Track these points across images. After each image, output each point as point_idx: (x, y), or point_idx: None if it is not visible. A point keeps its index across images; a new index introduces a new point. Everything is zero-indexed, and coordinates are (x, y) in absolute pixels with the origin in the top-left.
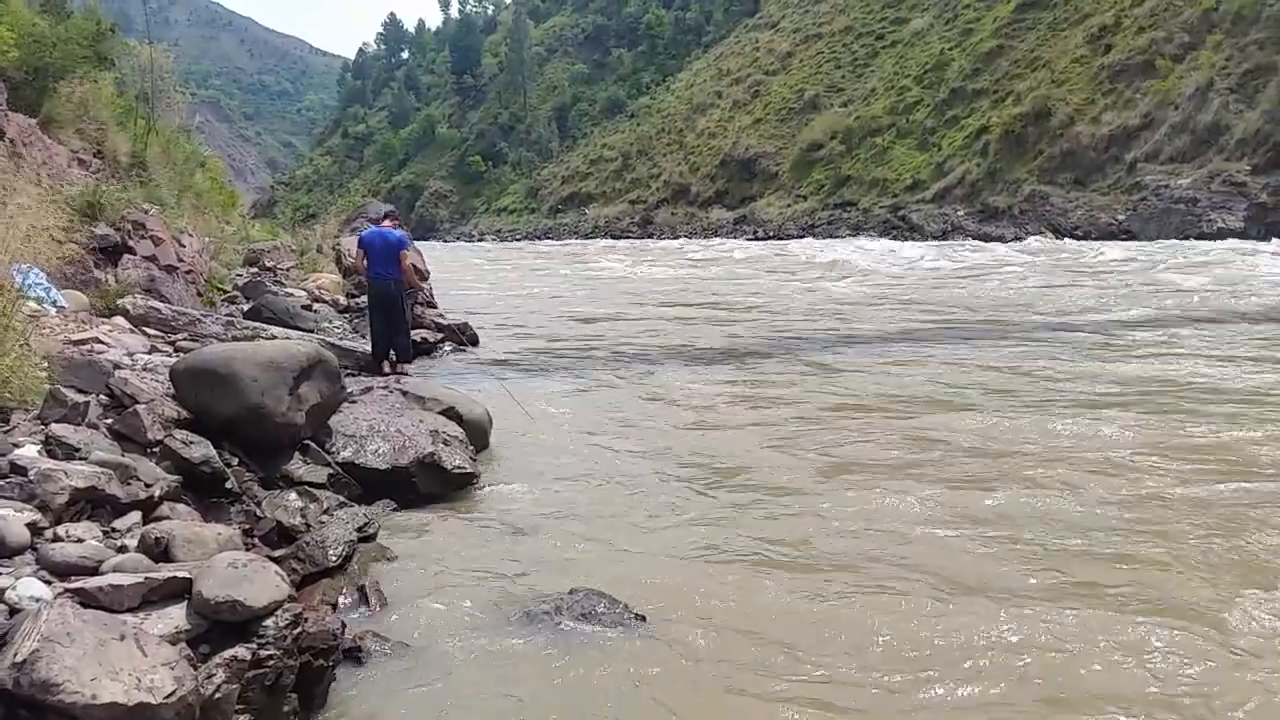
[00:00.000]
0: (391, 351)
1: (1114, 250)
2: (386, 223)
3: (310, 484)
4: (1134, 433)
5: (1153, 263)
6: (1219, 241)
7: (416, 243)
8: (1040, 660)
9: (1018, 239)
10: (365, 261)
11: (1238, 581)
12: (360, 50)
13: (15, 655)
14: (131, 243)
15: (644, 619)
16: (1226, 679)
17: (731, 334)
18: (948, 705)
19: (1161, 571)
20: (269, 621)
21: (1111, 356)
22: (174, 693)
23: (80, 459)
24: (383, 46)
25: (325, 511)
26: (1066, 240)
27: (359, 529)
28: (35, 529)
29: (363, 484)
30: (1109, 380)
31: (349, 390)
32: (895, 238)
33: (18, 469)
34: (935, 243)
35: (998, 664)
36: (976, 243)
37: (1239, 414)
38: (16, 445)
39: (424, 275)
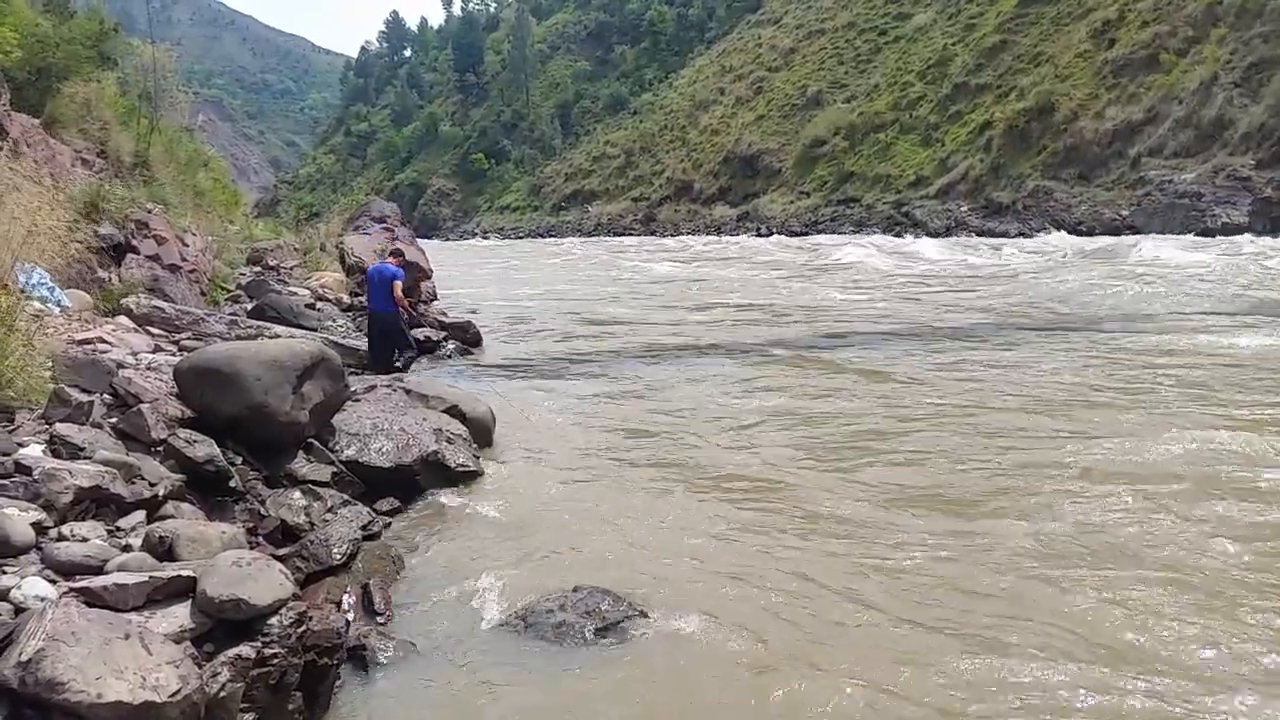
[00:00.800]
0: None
1: (1166, 249)
2: (391, 259)
3: (314, 482)
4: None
5: (1235, 266)
6: (1237, 236)
7: (419, 240)
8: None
9: (1022, 235)
10: (368, 290)
11: None
12: (363, 48)
13: (21, 654)
14: (135, 242)
15: (647, 617)
16: None
17: (765, 337)
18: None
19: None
20: (273, 620)
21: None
22: (179, 691)
23: (85, 458)
24: (385, 44)
25: (329, 510)
26: (1089, 237)
27: (363, 527)
28: (40, 528)
29: (366, 482)
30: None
31: (352, 389)
32: (899, 234)
33: (22, 468)
34: (984, 240)
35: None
36: (990, 239)
37: None
38: (21, 445)
39: (427, 274)
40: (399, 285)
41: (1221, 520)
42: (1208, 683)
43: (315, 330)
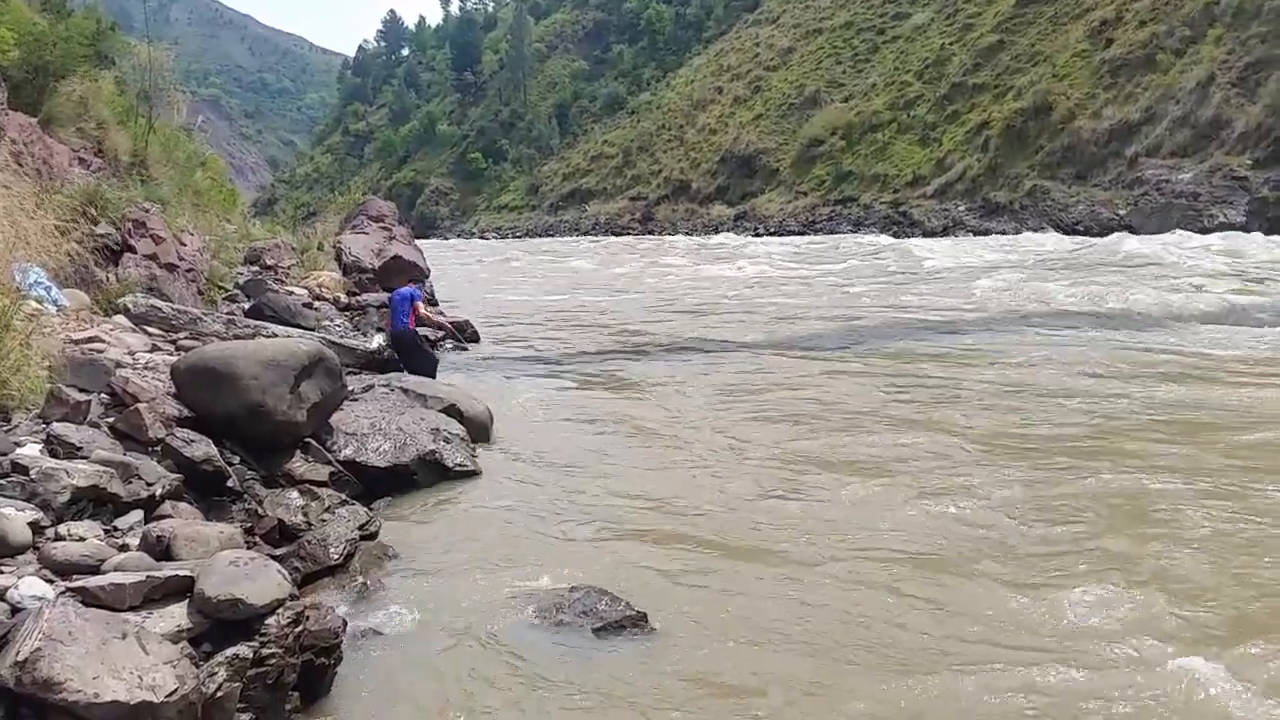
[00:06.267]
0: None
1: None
2: (410, 286)
3: (312, 482)
4: None
5: None
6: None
7: (418, 240)
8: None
9: (1018, 234)
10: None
11: None
12: (360, 47)
13: (17, 654)
14: (132, 241)
15: (645, 617)
16: None
17: (761, 336)
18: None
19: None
20: (271, 620)
21: None
22: (176, 691)
23: (82, 458)
24: (383, 44)
25: (327, 509)
26: (1103, 237)
27: (360, 527)
28: (37, 528)
29: (364, 482)
30: None
31: (350, 388)
32: (896, 234)
33: (19, 468)
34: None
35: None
36: (983, 237)
37: None
38: (18, 444)
39: (425, 273)
40: (420, 304)
41: None
42: None
43: (313, 329)
